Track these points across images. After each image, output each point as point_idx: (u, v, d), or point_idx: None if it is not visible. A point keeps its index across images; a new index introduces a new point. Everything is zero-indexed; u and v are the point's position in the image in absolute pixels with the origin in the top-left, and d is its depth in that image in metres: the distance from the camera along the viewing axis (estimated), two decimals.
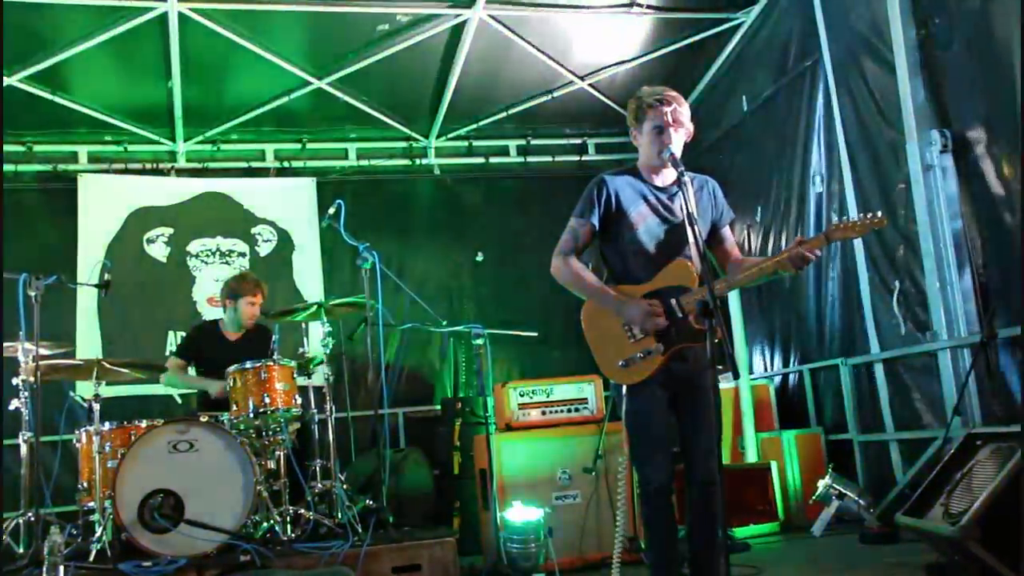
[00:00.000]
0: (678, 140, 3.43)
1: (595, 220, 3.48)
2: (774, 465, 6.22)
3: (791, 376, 7.16)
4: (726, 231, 3.60)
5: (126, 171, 7.93)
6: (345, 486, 5.16)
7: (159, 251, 7.82)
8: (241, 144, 8.30)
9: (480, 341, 5.51)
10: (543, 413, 5.67)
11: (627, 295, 3.41)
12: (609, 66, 7.93)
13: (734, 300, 7.07)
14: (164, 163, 8.06)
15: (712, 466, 3.27)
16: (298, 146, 8.40)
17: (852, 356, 6.28)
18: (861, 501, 5.61)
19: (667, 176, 3.49)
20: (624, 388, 3.45)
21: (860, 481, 6.11)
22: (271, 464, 5.09)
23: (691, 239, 3.34)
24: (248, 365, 5.09)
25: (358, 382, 7.18)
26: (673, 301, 3.33)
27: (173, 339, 7.55)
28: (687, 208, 3.21)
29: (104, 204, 7.74)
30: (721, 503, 2.92)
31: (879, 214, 3.16)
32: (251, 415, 4.99)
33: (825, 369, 6.67)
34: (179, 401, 7.21)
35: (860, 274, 6.12)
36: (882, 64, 5.79)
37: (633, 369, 3.39)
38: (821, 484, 5.73)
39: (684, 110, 3.45)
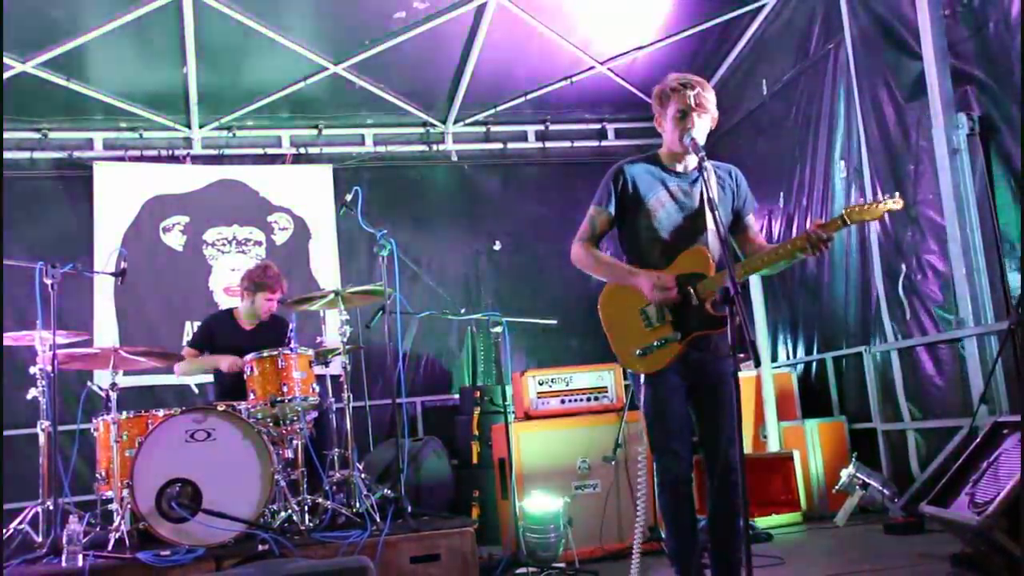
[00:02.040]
0: (701, 125, 3.42)
1: (612, 208, 3.51)
2: (796, 454, 6.20)
3: (814, 364, 7.14)
4: (750, 219, 3.60)
5: (141, 158, 7.98)
6: (363, 475, 5.15)
7: (175, 240, 7.87)
8: (257, 131, 8.33)
9: (498, 329, 5.49)
10: (562, 402, 5.68)
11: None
12: (629, 51, 7.89)
13: (756, 287, 7.04)
14: (180, 150, 8.10)
15: (732, 455, 3.28)
16: (314, 132, 8.42)
17: (876, 343, 6.25)
18: (885, 491, 5.59)
19: (689, 162, 3.49)
20: (642, 377, 3.45)
21: (884, 470, 6.09)
22: (288, 453, 5.11)
23: (711, 226, 3.35)
24: (265, 354, 5.11)
25: (375, 371, 7.20)
26: (689, 288, 3.33)
27: (190, 328, 7.59)
28: (707, 194, 3.20)
29: (120, 192, 7.79)
30: (742, 492, 2.91)
31: (896, 196, 3.16)
32: (268, 404, 5.02)
33: (849, 357, 6.64)
34: (196, 391, 7.26)
35: (873, 260, 6.11)
36: (905, 46, 5.75)
37: (650, 358, 3.40)
38: (844, 473, 5.71)
39: (709, 95, 3.45)
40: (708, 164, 3.35)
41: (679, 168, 3.52)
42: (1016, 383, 4.91)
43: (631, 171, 3.51)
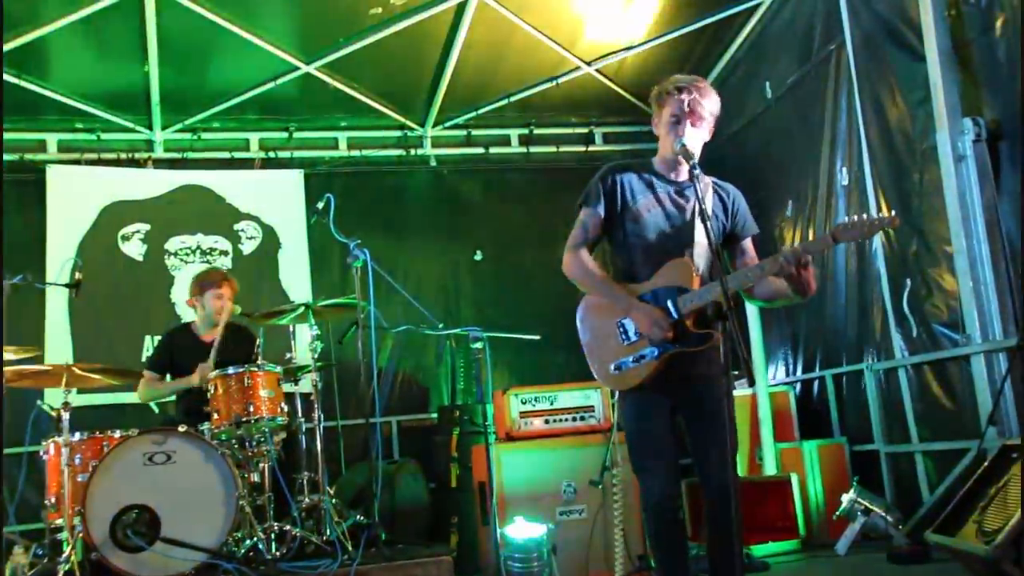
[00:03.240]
0: (695, 134, 3.44)
1: (601, 209, 3.52)
2: (795, 478, 6.20)
3: (813, 382, 7.15)
4: (747, 244, 3.61)
5: (99, 162, 7.91)
6: (334, 500, 5.17)
7: (135, 249, 7.81)
8: (223, 133, 8.28)
9: (479, 345, 5.53)
10: (546, 422, 5.69)
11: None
12: (617, 51, 7.90)
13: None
14: (140, 153, 8.04)
15: (725, 477, 3.26)
16: (285, 135, 8.39)
17: (878, 360, 6.26)
18: (888, 517, 5.59)
19: (683, 171, 3.51)
20: (618, 394, 3.48)
21: (887, 496, 6.09)
22: (255, 477, 5.08)
23: (700, 238, 3.39)
24: (230, 371, 5.09)
25: (348, 389, 7.15)
26: (670, 302, 3.35)
27: (150, 343, 7.53)
28: (699, 204, 3.20)
29: (75, 197, 7.71)
30: (736, 518, 2.90)
31: (892, 214, 3.16)
32: (233, 424, 4.99)
33: (850, 375, 6.66)
34: (156, 410, 7.19)
35: (877, 273, 6.15)
36: (907, 48, 5.78)
37: (626, 374, 3.41)
38: (845, 499, 5.71)
39: (708, 102, 3.46)
40: (706, 178, 3.38)
41: (672, 175, 3.54)
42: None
43: (621, 173, 3.54)
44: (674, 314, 3.33)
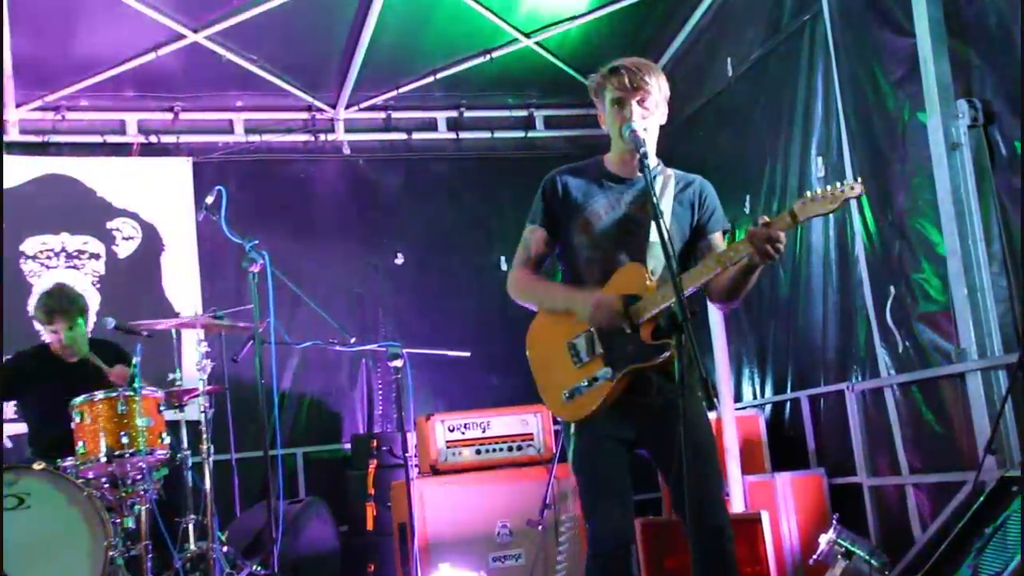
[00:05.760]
0: (645, 115, 3.45)
1: (543, 224, 3.59)
2: (765, 516, 6.20)
3: (786, 405, 7.18)
4: (715, 238, 3.62)
5: None
6: (226, 548, 5.19)
7: None
8: (94, 113, 8.17)
9: (399, 363, 5.53)
10: (478, 452, 5.79)
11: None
12: (561, 21, 7.90)
13: (715, 310, 7.07)
14: None
15: (720, 519, 3.34)
16: (169, 117, 8.30)
17: (862, 379, 6.30)
18: (873, 561, 5.61)
19: (636, 164, 3.48)
20: (572, 427, 3.49)
21: (872, 536, 6.13)
22: (129, 523, 5.03)
23: (654, 239, 3.39)
24: (100, 396, 5.04)
25: (244, 416, 7.04)
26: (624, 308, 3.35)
27: None
28: (652, 199, 3.20)
29: None
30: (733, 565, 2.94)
31: (855, 182, 3.15)
32: (103, 459, 4.94)
33: (828, 396, 6.69)
34: (8, 444, 7.01)
35: (859, 278, 6.21)
36: (893, 19, 5.83)
37: (579, 401, 3.43)
38: (824, 540, 5.72)
39: (653, 79, 3.47)
40: (668, 170, 3.45)
41: (626, 173, 3.56)
42: None
43: (565, 178, 3.60)
44: (627, 327, 3.32)
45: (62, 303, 5.77)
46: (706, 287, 3.45)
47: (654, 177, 3.38)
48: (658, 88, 3.47)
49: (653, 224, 3.35)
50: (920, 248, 5.74)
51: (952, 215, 5.40)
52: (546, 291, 3.58)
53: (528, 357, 3.62)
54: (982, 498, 4.37)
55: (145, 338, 5.74)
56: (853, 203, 6.14)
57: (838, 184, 3.15)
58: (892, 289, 5.94)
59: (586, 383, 3.40)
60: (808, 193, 3.17)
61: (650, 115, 3.46)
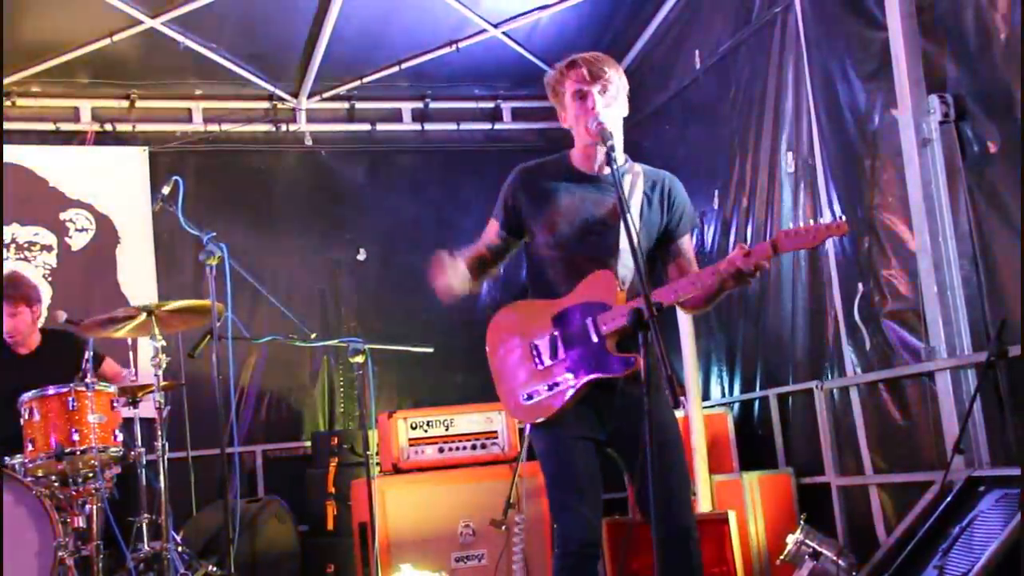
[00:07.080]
0: (607, 105, 3.46)
1: (500, 219, 3.62)
2: (732, 516, 6.22)
3: (755, 403, 7.20)
4: (683, 242, 3.64)
5: None
6: (181, 549, 5.18)
7: None
8: (46, 100, 8.08)
9: (361, 359, 5.50)
10: (440, 451, 5.77)
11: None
12: (529, 11, 7.88)
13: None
14: None
15: (687, 519, 3.38)
16: (125, 104, 8.23)
17: (831, 378, 6.33)
18: (841, 561, 5.64)
19: (603, 159, 3.48)
20: (529, 426, 3.57)
21: (840, 536, 6.16)
22: (80, 521, 5.00)
23: (623, 244, 3.41)
24: (50, 391, 5.02)
25: (201, 413, 7.00)
26: (589, 321, 3.36)
27: None
28: (620, 197, 3.20)
29: None
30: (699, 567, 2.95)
31: (839, 219, 3.20)
32: (53, 457, 4.92)
33: (797, 394, 6.72)
34: None
35: (828, 276, 6.24)
36: (865, 12, 5.86)
37: (538, 404, 3.44)
38: (791, 540, 5.75)
39: (613, 72, 3.49)
40: (636, 165, 3.45)
41: (594, 169, 3.55)
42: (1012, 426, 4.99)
43: (529, 173, 3.61)
44: (594, 337, 3.34)
45: (8, 289, 5.74)
46: (682, 304, 3.50)
47: (622, 175, 3.38)
48: (618, 78, 3.49)
49: (622, 225, 3.36)
50: (889, 245, 5.78)
51: (922, 212, 5.43)
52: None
53: (488, 354, 3.62)
54: (949, 498, 4.40)
55: (100, 333, 5.69)
56: (823, 197, 6.20)
57: (822, 221, 3.19)
58: (860, 287, 5.98)
59: (546, 387, 3.41)
60: (792, 226, 3.21)
61: (614, 104, 3.47)
